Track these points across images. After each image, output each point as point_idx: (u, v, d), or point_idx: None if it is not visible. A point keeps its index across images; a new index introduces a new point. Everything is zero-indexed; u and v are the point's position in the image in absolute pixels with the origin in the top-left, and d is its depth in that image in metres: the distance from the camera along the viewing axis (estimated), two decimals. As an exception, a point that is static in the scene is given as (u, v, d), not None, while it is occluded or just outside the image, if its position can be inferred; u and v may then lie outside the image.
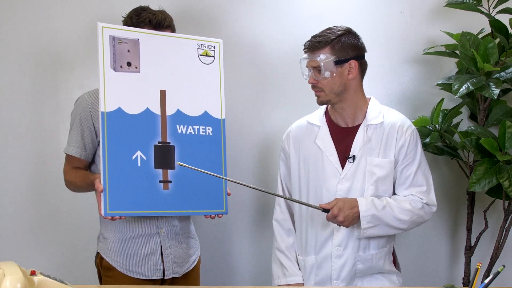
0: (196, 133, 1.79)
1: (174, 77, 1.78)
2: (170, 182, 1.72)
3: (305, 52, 1.89)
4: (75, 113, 1.92)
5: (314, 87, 1.89)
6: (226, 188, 1.81)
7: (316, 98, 1.91)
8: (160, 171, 1.72)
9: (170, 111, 1.76)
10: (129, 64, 1.72)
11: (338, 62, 1.83)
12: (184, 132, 1.77)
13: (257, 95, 2.48)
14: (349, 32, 1.87)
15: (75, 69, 2.43)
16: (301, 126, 2.01)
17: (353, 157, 1.87)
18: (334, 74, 1.84)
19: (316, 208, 1.79)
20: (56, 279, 1.29)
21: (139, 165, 1.69)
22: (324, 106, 2.01)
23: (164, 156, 1.73)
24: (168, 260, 1.90)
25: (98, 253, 1.95)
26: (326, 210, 1.79)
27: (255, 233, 2.50)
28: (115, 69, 1.70)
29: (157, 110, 1.74)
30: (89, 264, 2.13)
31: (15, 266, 1.23)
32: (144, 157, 1.70)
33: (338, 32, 1.85)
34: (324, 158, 1.91)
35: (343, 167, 1.88)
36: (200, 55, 1.83)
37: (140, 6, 1.91)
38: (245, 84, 2.47)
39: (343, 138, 1.92)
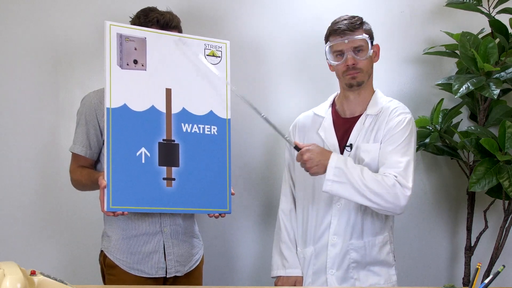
0: (201, 132, 1.79)
1: (180, 76, 1.78)
2: (173, 179, 1.72)
3: (339, 36, 1.89)
4: (80, 111, 1.93)
5: (352, 69, 1.89)
6: (230, 188, 1.81)
7: (349, 80, 1.90)
8: (164, 168, 1.72)
9: (175, 109, 1.76)
10: (135, 62, 1.72)
11: (372, 43, 1.91)
12: (189, 130, 1.77)
13: (261, 94, 2.48)
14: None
15: (76, 69, 2.43)
16: (307, 117, 2.06)
17: (351, 145, 1.90)
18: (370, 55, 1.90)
19: (290, 143, 1.82)
20: (56, 279, 1.29)
21: (143, 161, 1.69)
22: (330, 99, 2.05)
23: (168, 153, 1.73)
24: (170, 258, 1.91)
25: (102, 251, 1.95)
26: (297, 148, 1.80)
27: (259, 233, 2.50)
28: (121, 66, 1.70)
29: (162, 108, 1.74)
30: (92, 263, 2.14)
31: (15, 266, 1.23)
32: (148, 154, 1.70)
33: (358, 17, 1.92)
34: (325, 148, 1.92)
35: None
36: (207, 55, 1.83)
37: (148, 7, 1.92)
38: (249, 83, 2.47)
39: (345, 128, 1.95)
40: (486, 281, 1.31)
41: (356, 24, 1.89)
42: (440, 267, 2.52)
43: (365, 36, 1.88)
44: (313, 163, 1.78)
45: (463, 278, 2.37)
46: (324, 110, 2.02)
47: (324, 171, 1.79)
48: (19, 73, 2.42)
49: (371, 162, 1.85)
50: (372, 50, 1.89)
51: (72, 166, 1.96)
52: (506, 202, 2.28)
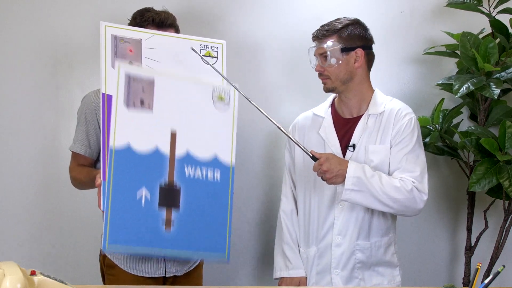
0: (204, 178, 1.72)
1: (186, 117, 1.74)
2: (173, 222, 1.67)
3: (313, 41, 1.94)
4: (80, 111, 1.95)
5: (320, 74, 1.92)
6: (230, 235, 1.74)
7: (322, 86, 1.94)
8: (164, 211, 1.67)
9: (179, 151, 1.71)
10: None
11: (345, 50, 1.88)
12: (191, 175, 1.71)
13: (258, 94, 2.47)
14: (357, 23, 1.93)
15: (76, 69, 2.43)
16: (307, 118, 2.06)
17: (354, 145, 1.90)
18: (340, 62, 1.88)
19: (307, 153, 1.78)
20: (56, 279, 1.29)
21: (143, 205, 1.64)
22: (330, 99, 2.05)
23: (169, 197, 1.68)
24: (169, 258, 1.91)
25: (101, 251, 1.96)
26: (314, 158, 1.78)
27: (259, 233, 2.50)
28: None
29: (166, 150, 1.70)
30: (92, 263, 2.13)
31: (15, 266, 1.23)
32: (149, 197, 1.64)
33: (346, 22, 1.91)
34: (327, 148, 1.93)
35: (344, 157, 1.90)
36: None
37: (144, 8, 1.94)
38: (246, 84, 2.46)
39: (346, 128, 1.95)
40: (486, 281, 1.31)
41: (325, 32, 1.89)
42: (440, 267, 2.52)
43: (330, 44, 1.87)
44: (333, 173, 1.77)
45: (463, 278, 2.37)
46: (324, 110, 2.02)
47: (342, 181, 1.79)
48: (19, 73, 2.41)
49: (380, 164, 1.86)
50: (334, 59, 1.86)
51: (72, 165, 1.97)
52: (506, 202, 2.28)
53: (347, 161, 1.82)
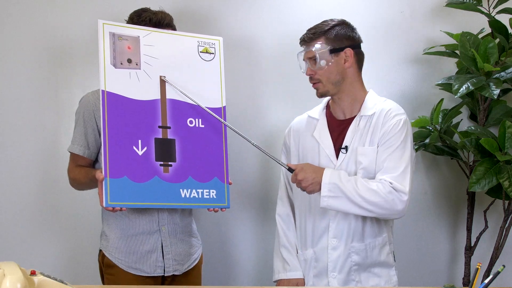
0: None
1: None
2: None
3: (301, 45, 1.93)
4: (79, 112, 1.95)
5: (311, 79, 1.92)
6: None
7: (315, 91, 1.93)
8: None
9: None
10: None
11: (333, 51, 1.87)
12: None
13: (257, 93, 2.48)
14: (343, 23, 1.92)
15: (76, 69, 2.43)
16: (301, 121, 2.05)
17: (346, 147, 1.89)
18: (330, 63, 1.87)
19: (283, 166, 1.84)
20: (56, 279, 1.29)
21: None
22: (325, 101, 2.04)
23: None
24: (168, 257, 1.91)
25: (100, 250, 1.96)
26: (291, 170, 1.82)
27: (258, 232, 2.50)
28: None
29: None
30: (91, 263, 2.13)
31: (15, 266, 1.23)
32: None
33: (332, 23, 1.90)
34: (321, 150, 1.93)
35: (337, 159, 1.90)
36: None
37: (141, 8, 1.94)
38: (245, 82, 2.47)
39: (339, 130, 1.94)
40: (486, 281, 1.31)
41: (311, 35, 1.88)
42: (440, 267, 2.52)
43: (318, 47, 1.86)
44: (308, 182, 1.79)
45: (463, 278, 2.37)
46: (318, 113, 2.01)
47: (320, 189, 1.80)
48: (19, 73, 2.42)
49: (369, 166, 1.85)
50: (323, 61, 1.86)
51: (70, 166, 1.97)
52: (506, 202, 2.28)
53: (323, 169, 1.82)
